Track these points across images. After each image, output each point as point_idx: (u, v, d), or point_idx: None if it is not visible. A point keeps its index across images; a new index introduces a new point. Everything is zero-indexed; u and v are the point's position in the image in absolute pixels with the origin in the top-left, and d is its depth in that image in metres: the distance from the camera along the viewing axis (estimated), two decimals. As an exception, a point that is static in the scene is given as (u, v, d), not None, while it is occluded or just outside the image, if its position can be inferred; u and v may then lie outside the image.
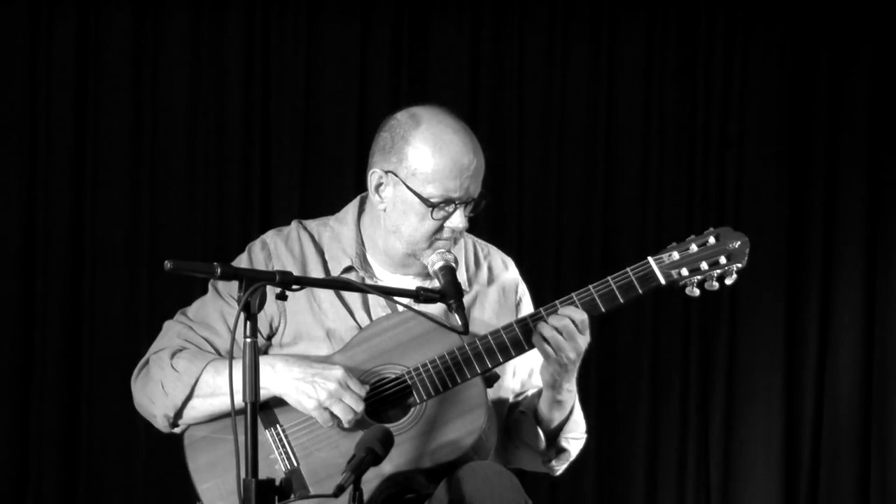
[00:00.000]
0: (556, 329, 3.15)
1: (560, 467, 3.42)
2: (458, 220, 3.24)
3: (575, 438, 3.37)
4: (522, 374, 3.41)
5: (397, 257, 3.31)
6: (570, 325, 3.15)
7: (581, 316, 3.16)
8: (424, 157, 3.23)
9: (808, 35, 5.84)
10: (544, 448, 3.34)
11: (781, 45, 5.84)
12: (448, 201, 3.23)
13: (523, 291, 3.47)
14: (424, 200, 3.23)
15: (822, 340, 5.84)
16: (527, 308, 3.44)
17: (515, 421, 3.36)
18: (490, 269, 3.42)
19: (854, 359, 5.83)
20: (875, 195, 5.85)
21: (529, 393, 3.41)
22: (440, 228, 3.25)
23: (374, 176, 3.29)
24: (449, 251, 3.24)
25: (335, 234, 3.37)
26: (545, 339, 3.16)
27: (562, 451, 3.37)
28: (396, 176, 3.25)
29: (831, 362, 5.84)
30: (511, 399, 3.40)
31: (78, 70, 5.53)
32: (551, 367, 3.20)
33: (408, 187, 3.24)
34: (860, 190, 5.84)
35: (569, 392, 3.27)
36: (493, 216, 5.58)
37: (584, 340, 3.17)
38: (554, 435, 3.33)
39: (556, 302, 3.19)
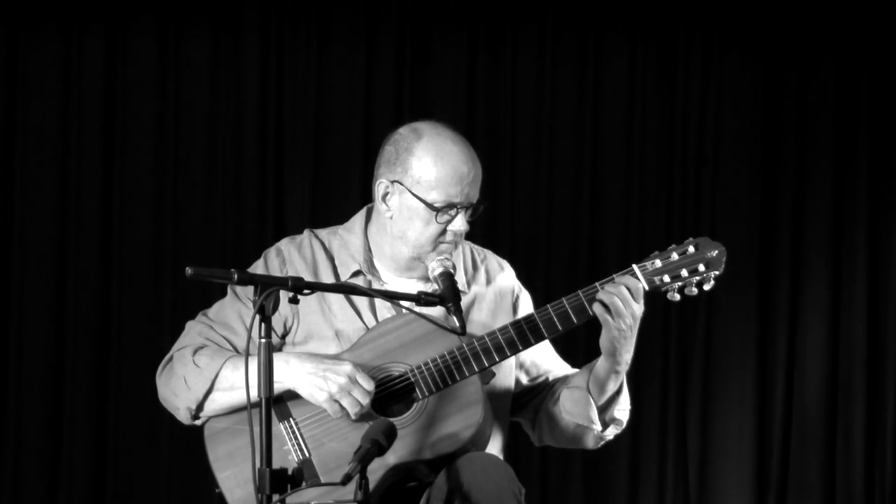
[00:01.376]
0: (614, 294, 3.14)
1: (609, 437, 3.37)
2: (459, 223, 3.25)
3: (624, 409, 3.34)
4: (532, 363, 3.40)
5: (403, 261, 3.31)
6: (626, 292, 3.14)
7: (636, 285, 3.16)
8: (427, 167, 3.24)
9: (778, 58, 5.84)
10: (597, 419, 3.30)
11: (753, 68, 5.84)
12: (450, 206, 3.24)
13: (520, 290, 3.45)
14: (429, 206, 3.23)
15: (791, 342, 5.84)
16: (525, 306, 3.43)
17: (564, 398, 3.32)
18: (487, 272, 3.42)
19: (820, 358, 5.83)
20: (839, 208, 5.85)
21: (551, 377, 3.40)
22: (443, 232, 3.25)
23: (380, 186, 3.29)
24: (448, 258, 3.24)
25: (344, 242, 3.37)
26: (604, 305, 3.15)
27: (614, 420, 3.34)
28: (402, 185, 3.26)
29: (799, 361, 5.84)
30: (524, 383, 3.38)
31: (106, 88, 5.53)
32: (611, 333, 3.17)
33: (413, 194, 3.24)
34: (826, 203, 5.84)
35: (626, 362, 3.24)
36: (487, 224, 5.59)
37: (638, 308, 3.16)
38: (606, 405, 3.30)
39: (598, 282, 3.18)
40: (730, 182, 5.83)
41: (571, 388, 3.32)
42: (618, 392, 3.30)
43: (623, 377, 3.29)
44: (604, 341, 3.21)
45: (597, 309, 3.16)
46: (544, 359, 3.43)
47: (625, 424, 3.38)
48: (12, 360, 5.46)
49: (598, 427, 3.32)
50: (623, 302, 3.14)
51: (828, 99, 5.84)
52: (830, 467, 5.83)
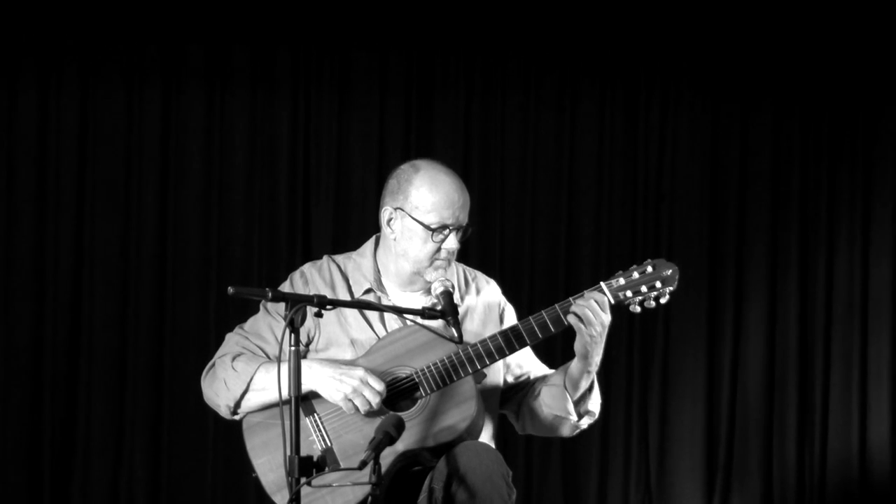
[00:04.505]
0: (585, 307, 3.14)
1: (583, 426, 3.37)
2: (452, 242, 3.25)
3: (596, 402, 3.34)
4: (516, 364, 3.40)
5: (405, 276, 3.31)
6: (595, 305, 3.14)
7: (603, 299, 3.15)
8: (424, 194, 3.24)
9: (723, 110, 5.85)
10: (573, 410, 3.30)
11: (702, 117, 5.84)
12: (444, 227, 3.23)
13: (506, 304, 3.45)
14: (426, 227, 3.23)
15: (735, 349, 5.83)
16: (510, 317, 3.42)
17: (544, 393, 3.32)
18: (477, 288, 3.41)
19: (759, 363, 5.82)
20: (775, 236, 5.85)
21: (532, 376, 3.39)
22: (438, 250, 3.25)
23: (385, 212, 3.30)
24: (448, 280, 3.24)
25: (357, 265, 3.36)
26: (577, 316, 3.14)
27: (588, 412, 3.33)
28: (403, 210, 3.26)
29: (742, 366, 5.82)
30: (510, 381, 3.38)
31: (162, 134, 5.52)
32: (583, 339, 3.17)
33: (412, 218, 3.24)
34: (764, 232, 5.84)
35: (596, 364, 3.23)
36: (480, 247, 5.59)
37: (606, 317, 3.15)
38: (580, 400, 3.30)
39: (572, 297, 3.18)
40: (683, 213, 5.83)
41: (550, 385, 3.32)
42: (590, 388, 3.30)
43: (594, 376, 3.28)
44: (577, 346, 3.21)
45: (571, 319, 3.16)
46: (527, 361, 3.43)
47: (597, 415, 3.37)
48: (83, 365, 5.45)
49: (574, 417, 3.31)
50: (593, 313, 3.14)
51: (765, 144, 5.85)
52: (768, 454, 5.82)
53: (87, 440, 5.42)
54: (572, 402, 3.29)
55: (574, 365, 3.25)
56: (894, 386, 5.80)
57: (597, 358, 3.22)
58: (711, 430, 5.79)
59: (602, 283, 3.19)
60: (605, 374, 5.74)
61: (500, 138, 5.76)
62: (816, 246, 5.85)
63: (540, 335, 3.20)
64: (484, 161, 5.76)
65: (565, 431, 3.37)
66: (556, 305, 3.19)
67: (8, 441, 5.37)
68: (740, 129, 5.84)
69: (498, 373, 3.37)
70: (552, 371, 3.40)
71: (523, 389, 3.40)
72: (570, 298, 3.19)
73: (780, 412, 5.80)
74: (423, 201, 3.23)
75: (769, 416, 5.79)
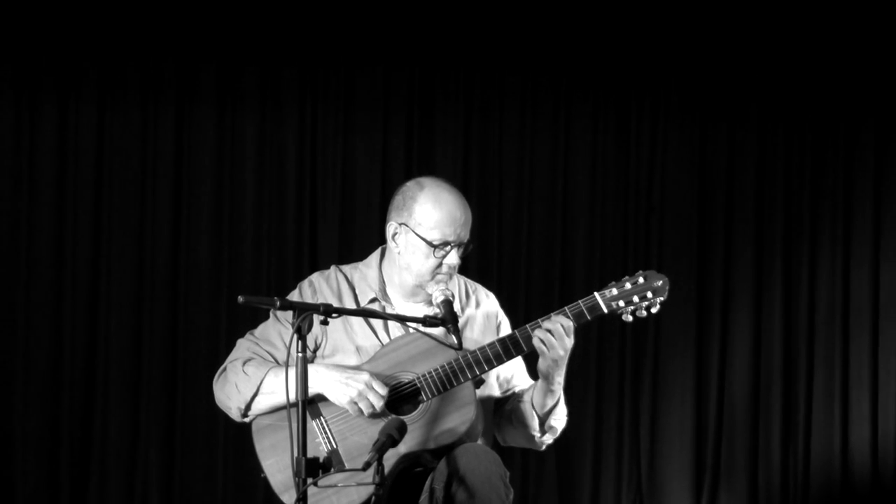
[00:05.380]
0: (549, 331, 3.14)
1: (548, 441, 3.38)
2: (453, 258, 3.25)
3: (559, 419, 3.35)
4: (504, 379, 3.40)
5: (408, 288, 3.31)
6: (560, 329, 3.13)
7: (567, 323, 3.14)
8: (428, 212, 3.24)
9: (711, 126, 5.85)
10: (538, 427, 3.32)
11: (690, 134, 5.84)
12: (445, 243, 3.24)
13: (502, 316, 3.46)
14: (428, 243, 3.23)
15: (722, 355, 5.81)
16: (505, 328, 3.43)
17: (515, 409, 3.34)
18: (477, 301, 3.42)
19: (745, 368, 5.80)
20: (760, 247, 5.84)
21: (517, 390, 3.39)
22: (440, 265, 3.25)
23: (390, 227, 3.30)
24: (448, 288, 3.24)
25: (363, 275, 3.37)
26: (541, 340, 3.14)
27: (550, 428, 3.34)
28: (407, 226, 3.26)
29: (729, 370, 5.81)
30: (498, 394, 3.38)
31: (176, 150, 5.51)
32: (546, 361, 3.17)
33: (416, 234, 3.24)
34: (749, 243, 5.83)
35: (559, 384, 3.24)
36: (480, 260, 5.58)
37: (569, 342, 3.15)
38: (545, 417, 3.31)
39: (538, 320, 3.17)
40: (672, 226, 5.82)
41: (521, 402, 3.33)
42: (555, 405, 3.30)
43: (558, 395, 3.27)
44: (540, 367, 3.22)
45: (535, 343, 3.15)
46: (516, 376, 3.42)
47: (559, 432, 3.38)
48: (100, 370, 5.44)
49: (538, 434, 3.34)
50: (557, 338, 3.13)
51: (750, 160, 5.85)
52: (754, 454, 5.80)
53: (104, 442, 5.40)
54: (538, 419, 3.30)
55: (539, 384, 3.26)
56: (875, 389, 5.80)
57: (559, 379, 3.22)
58: (700, 432, 5.77)
59: (595, 294, 3.19)
60: (598, 381, 5.76)
61: (497, 153, 5.75)
62: (799, 256, 5.84)
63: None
64: (482, 174, 5.75)
65: (534, 446, 3.39)
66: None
67: (29, 443, 5.36)
68: (726, 145, 5.84)
69: (493, 386, 3.38)
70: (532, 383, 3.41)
71: (506, 404, 3.41)
72: (539, 320, 3.18)
73: (765, 414, 5.79)
74: (427, 218, 3.23)
75: (755, 418, 5.78)
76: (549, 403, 3.28)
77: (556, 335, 3.13)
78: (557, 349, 3.13)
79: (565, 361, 3.18)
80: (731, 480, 5.78)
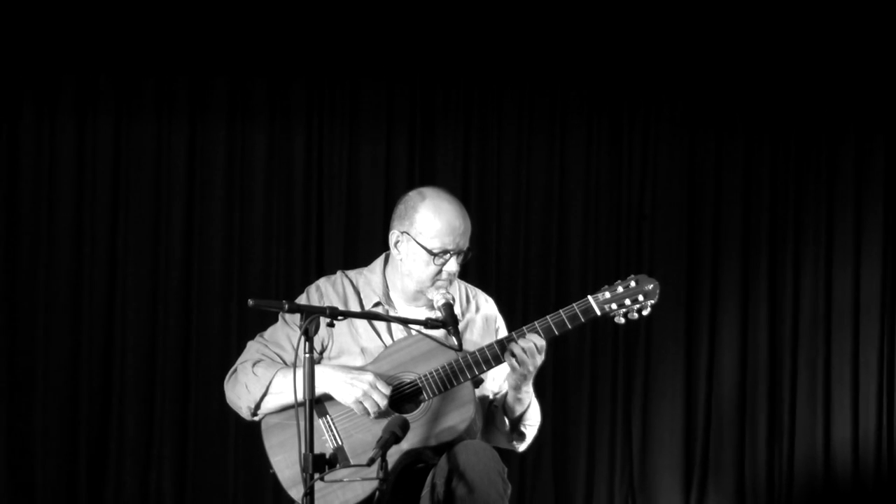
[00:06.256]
0: (523, 349, 3.15)
1: (521, 446, 3.40)
2: (452, 265, 3.25)
3: (530, 426, 3.36)
4: (500, 380, 3.40)
5: (410, 293, 3.31)
6: (533, 347, 3.15)
7: (541, 342, 3.15)
8: (429, 221, 3.24)
9: (700, 136, 5.85)
10: (509, 431, 3.34)
11: (680, 144, 5.84)
12: (445, 252, 3.23)
13: (501, 321, 3.46)
14: (429, 251, 3.23)
15: (711, 355, 5.80)
16: (503, 332, 3.43)
17: (492, 413, 3.36)
18: (477, 305, 3.42)
19: (732, 368, 5.79)
20: (747, 252, 5.83)
21: (502, 393, 3.40)
22: (440, 272, 3.25)
23: (393, 235, 3.30)
24: (448, 291, 3.25)
25: (367, 280, 3.37)
26: (514, 356, 3.16)
27: (521, 434, 3.36)
28: (409, 235, 3.26)
29: (717, 370, 5.80)
30: (491, 396, 3.39)
31: (188, 161, 5.52)
32: (515, 375, 3.20)
33: (417, 242, 3.24)
34: (736, 250, 5.83)
35: (527, 393, 3.26)
36: (479, 265, 5.58)
37: (540, 359, 3.17)
38: (515, 423, 3.33)
39: (523, 327, 3.18)
40: (663, 232, 5.82)
41: (495, 407, 3.34)
42: (524, 412, 3.30)
43: (527, 402, 3.28)
44: (510, 379, 3.23)
45: (507, 358, 3.16)
46: (503, 379, 3.41)
47: (528, 438, 3.38)
48: (116, 372, 5.44)
49: (511, 437, 3.35)
50: (529, 355, 3.14)
51: (737, 169, 5.84)
52: (741, 451, 5.79)
53: (120, 442, 5.40)
54: (509, 425, 3.32)
55: (509, 395, 3.28)
56: (856, 388, 5.80)
57: (526, 388, 3.24)
58: (689, 430, 5.76)
59: (589, 297, 3.19)
60: (592, 380, 5.76)
61: (496, 163, 5.75)
62: (784, 261, 5.84)
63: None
64: (481, 182, 5.75)
65: (513, 448, 3.40)
66: (548, 317, 3.19)
67: (48, 443, 5.36)
68: (715, 155, 5.84)
69: (491, 384, 3.37)
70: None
71: (488, 407, 3.41)
72: (513, 333, 3.17)
73: (751, 413, 5.78)
74: (427, 227, 3.23)
75: (742, 417, 5.77)
76: (519, 410, 3.29)
77: (529, 353, 3.14)
78: (528, 366, 3.15)
79: (533, 375, 3.20)
80: (719, 476, 5.77)
